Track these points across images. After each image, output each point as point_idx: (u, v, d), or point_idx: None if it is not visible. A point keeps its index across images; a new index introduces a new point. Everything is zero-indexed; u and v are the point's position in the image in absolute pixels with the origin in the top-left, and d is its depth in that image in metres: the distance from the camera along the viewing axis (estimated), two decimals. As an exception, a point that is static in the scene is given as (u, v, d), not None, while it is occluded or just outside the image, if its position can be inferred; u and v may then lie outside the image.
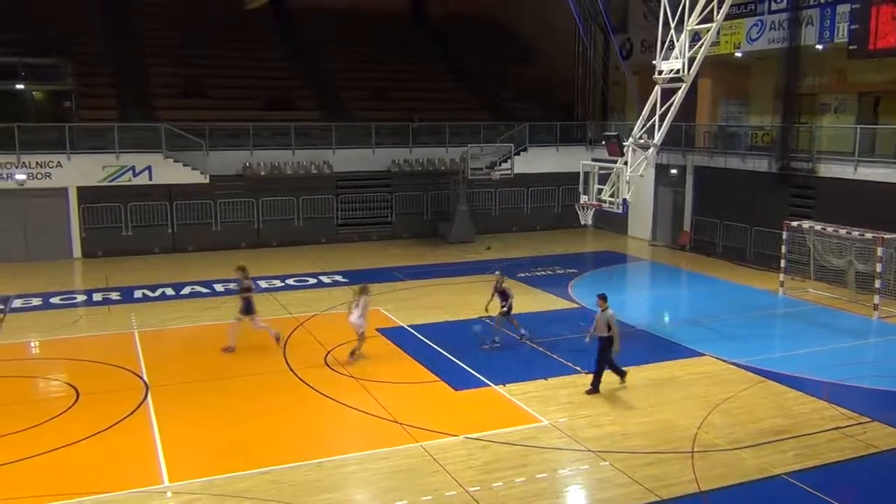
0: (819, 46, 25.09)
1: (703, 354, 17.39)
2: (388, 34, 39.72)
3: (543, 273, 26.12)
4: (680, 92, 19.28)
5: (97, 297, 23.12)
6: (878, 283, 20.57)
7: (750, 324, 20.19)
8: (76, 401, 14.76)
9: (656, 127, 19.79)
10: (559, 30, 36.39)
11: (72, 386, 15.49)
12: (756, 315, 21.17)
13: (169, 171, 29.16)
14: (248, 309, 17.55)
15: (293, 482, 11.50)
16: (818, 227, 22.39)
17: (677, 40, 19.44)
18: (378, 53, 38.56)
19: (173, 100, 33.25)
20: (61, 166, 27.89)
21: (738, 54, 28.08)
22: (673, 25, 19.60)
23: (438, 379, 15.90)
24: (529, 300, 22.24)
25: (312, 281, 25.00)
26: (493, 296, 18.01)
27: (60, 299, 22.76)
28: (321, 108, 35.10)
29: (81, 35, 34.53)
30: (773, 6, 26.62)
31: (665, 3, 19.82)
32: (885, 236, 20.35)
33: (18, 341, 18.83)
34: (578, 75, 37.90)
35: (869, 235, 20.68)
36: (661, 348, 18.00)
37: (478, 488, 11.30)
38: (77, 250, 28.66)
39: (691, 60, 19.21)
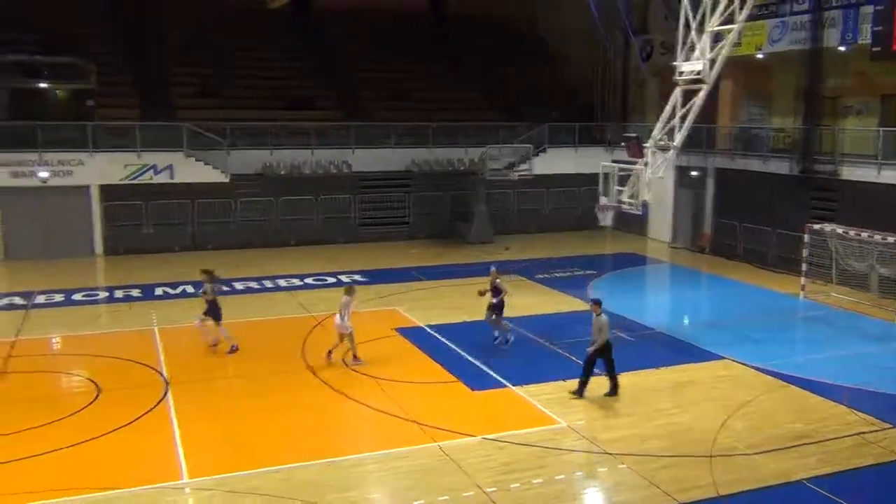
0: (842, 48, 24.83)
1: (724, 358, 17.28)
2: (408, 34, 39.78)
3: (562, 274, 26.03)
4: (701, 93, 19.19)
5: (118, 293, 23.33)
6: (901, 288, 20.41)
7: (771, 327, 20.02)
8: (97, 397, 14.91)
9: (676, 128, 19.70)
10: (579, 31, 36.25)
11: (93, 382, 15.65)
12: (777, 319, 20.99)
13: (190, 170, 29.37)
14: (214, 313, 17.38)
15: (308, 480, 11.54)
16: (840, 230, 22.16)
17: (698, 42, 19.35)
18: (398, 54, 38.63)
19: (194, 99, 33.51)
20: (83, 164, 28.19)
21: (760, 56, 27.87)
22: (694, 27, 19.50)
23: (456, 379, 15.91)
24: (548, 301, 22.21)
25: (331, 280, 25.08)
26: (488, 290, 17.96)
27: (83, 296, 23.01)
28: (340, 108, 35.23)
29: (103, 35, 34.88)
30: (796, 7, 26.36)
31: (686, 5, 19.71)
32: (907, 240, 20.17)
33: (41, 337, 19.09)
34: (598, 77, 37.79)
35: (891, 239, 20.47)
36: (680, 351, 17.91)
37: (495, 489, 11.30)
38: (99, 247, 28.97)
39: (712, 62, 19.11)
